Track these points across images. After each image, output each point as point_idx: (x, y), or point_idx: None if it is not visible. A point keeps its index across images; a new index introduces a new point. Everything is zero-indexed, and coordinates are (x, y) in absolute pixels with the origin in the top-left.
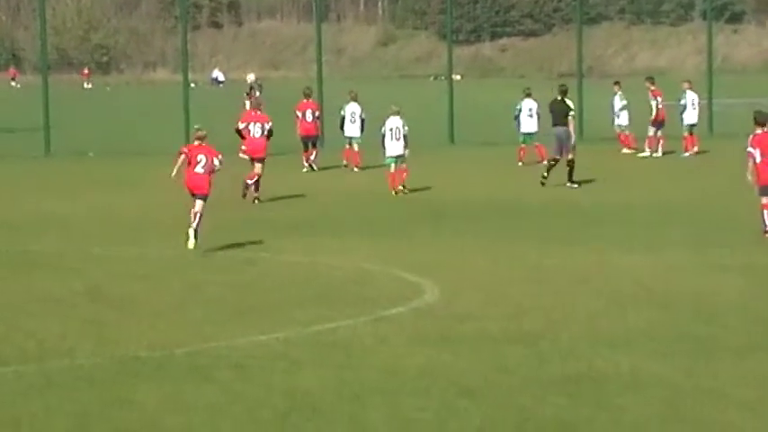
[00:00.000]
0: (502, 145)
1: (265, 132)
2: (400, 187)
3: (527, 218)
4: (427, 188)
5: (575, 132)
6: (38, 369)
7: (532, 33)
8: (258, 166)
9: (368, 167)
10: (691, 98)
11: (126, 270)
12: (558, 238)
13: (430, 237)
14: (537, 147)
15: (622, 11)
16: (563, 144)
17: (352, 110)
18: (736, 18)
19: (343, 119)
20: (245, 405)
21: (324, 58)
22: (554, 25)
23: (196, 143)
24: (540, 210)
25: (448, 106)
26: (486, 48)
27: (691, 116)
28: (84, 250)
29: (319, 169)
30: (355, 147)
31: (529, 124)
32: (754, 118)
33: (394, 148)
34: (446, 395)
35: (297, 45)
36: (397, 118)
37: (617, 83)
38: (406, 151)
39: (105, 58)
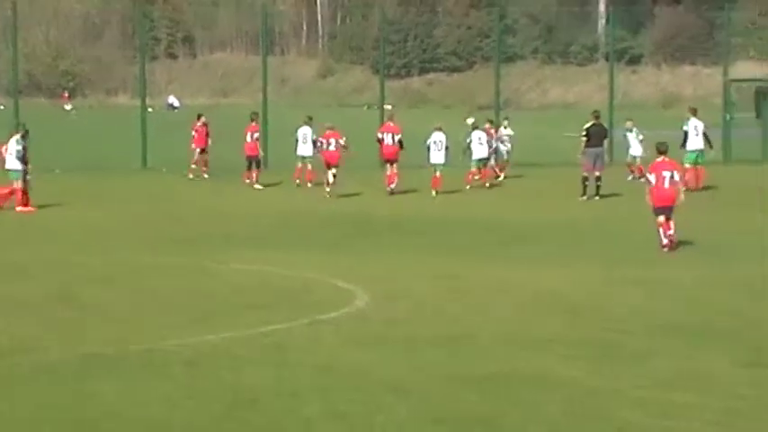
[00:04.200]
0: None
1: (396, 141)
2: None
3: (452, 234)
4: (362, 206)
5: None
6: (5, 364)
7: (456, 69)
8: (390, 167)
9: (316, 184)
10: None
11: (91, 276)
12: (480, 253)
13: (364, 250)
14: (483, 171)
15: (536, 51)
16: (597, 162)
17: (304, 132)
18: (634, 60)
19: (297, 140)
20: (198, 399)
21: (269, 88)
22: (475, 63)
23: (328, 132)
24: (462, 226)
25: None
26: (415, 81)
27: (637, 148)
28: (56, 258)
29: (264, 186)
30: (309, 165)
31: (481, 151)
32: (657, 148)
33: (437, 157)
34: (375, 391)
35: (245, 75)
36: (440, 133)
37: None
38: (447, 160)
39: (71, 84)
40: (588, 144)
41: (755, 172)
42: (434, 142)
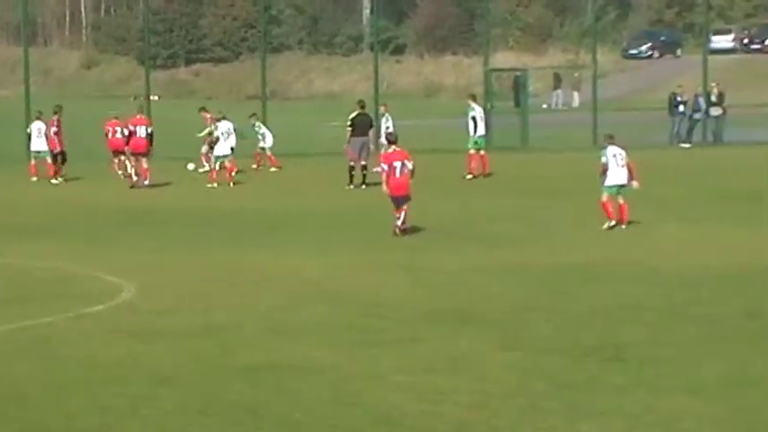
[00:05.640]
0: (194, 159)
1: (147, 134)
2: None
3: (216, 224)
4: (130, 198)
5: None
6: None
7: (222, 60)
8: (143, 159)
9: (70, 179)
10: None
11: None
12: (247, 243)
13: (130, 241)
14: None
15: (301, 41)
16: (362, 152)
17: (38, 126)
18: (398, 50)
19: (29, 135)
20: None
21: (32, 79)
22: (242, 53)
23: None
24: (227, 217)
25: None
26: (182, 72)
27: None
28: None
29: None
30: (48, 159)
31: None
32: (386, 138)
33: (223, 147)
34: (141, 383)
35: (6, 66)
36: (227, 122)
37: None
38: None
39: None
40: (353, 133)
41: (515, 159)
42: (222, 133)
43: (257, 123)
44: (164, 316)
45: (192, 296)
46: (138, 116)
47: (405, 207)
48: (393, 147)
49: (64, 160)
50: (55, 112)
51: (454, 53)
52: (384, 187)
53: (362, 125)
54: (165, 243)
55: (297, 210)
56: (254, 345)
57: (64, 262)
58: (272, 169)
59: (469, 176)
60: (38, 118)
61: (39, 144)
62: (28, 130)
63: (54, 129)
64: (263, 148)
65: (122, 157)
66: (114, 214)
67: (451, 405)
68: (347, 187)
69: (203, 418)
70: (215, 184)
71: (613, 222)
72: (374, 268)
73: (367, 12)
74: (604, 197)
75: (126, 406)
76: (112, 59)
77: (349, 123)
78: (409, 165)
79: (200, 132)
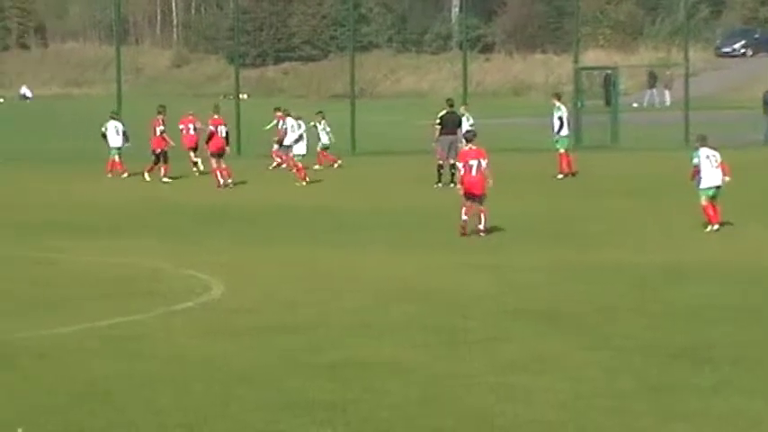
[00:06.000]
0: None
1: (225, 133)
2: (303, 183)
3: (301, 222)
4: (213, 196)
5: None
6: None
7: (311, 58)
8: (221, 159)
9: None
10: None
11: None
12: (328, 241)
13: (216, 239)
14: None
15: (390, 40)
16: (451, 150)
17: (115, 125)
18: (487, 48)
19: (103, 133)
20: (44, 390)
21: (123, 78)
22: (330, 52)
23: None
24: (310, 215)
25: (235, 122)
26: (270, 70)
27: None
28: None
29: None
30: (117, 156)
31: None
32: (464, 136)
33: (302, 146)
34: (227, 381)
35: (99, 65)
36: (292, 120)
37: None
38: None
39: None
40: (442, 132)
41: (605, 158)
42: (303, 132)
43: (323, 122)
44: (251, 313)
45: (278, 294)
46: (215, 116)
47: (483, 208)
48: (470, 145)
49: (165, 160)
50: (159, 112)
51: (543, 51)
52: (458, 185)
53: (451, 123)
54: (250, 240)
55: (383, 208)
56: (340, 343)
57: (153, 259)
58: (316, 167)
59: (560, 176)
60: (113, 117)
61: (117, 141)
62: (103, 129)
63: (161, 128)
64: (325, 147)
65: (194, 153)
66: (199, 212)
67: (540, 405)
68: (435, 186)
69: (290, 415)
70: (304, 183)
71: (716, 226)
72: (460, 267)
73: (456, 10)
74: (704, 201)
75: (213, 403)
76: (202, 58)
77: (438, 122)
78: (484, 163)
79: (268, 125)
